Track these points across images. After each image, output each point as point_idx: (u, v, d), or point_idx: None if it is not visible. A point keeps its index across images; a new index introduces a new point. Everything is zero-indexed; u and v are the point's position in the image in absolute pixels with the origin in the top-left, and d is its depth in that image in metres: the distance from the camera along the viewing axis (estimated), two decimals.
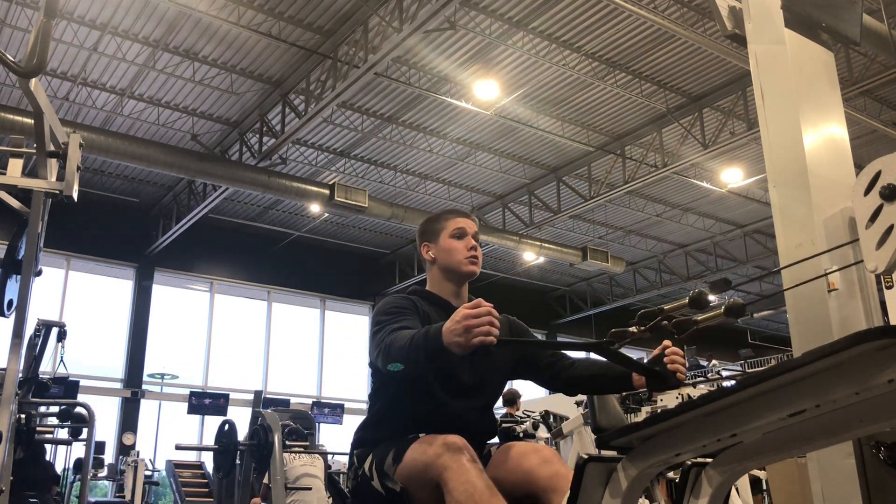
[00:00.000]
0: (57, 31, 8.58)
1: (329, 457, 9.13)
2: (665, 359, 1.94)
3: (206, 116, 10.80)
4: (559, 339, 17.86)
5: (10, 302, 3.08)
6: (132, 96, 10.19)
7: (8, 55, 2.55)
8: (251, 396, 13.35)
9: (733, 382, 1.54)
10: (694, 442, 1.42)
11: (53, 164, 3.08)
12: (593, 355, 1.89)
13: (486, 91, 9.88)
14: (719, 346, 19.04)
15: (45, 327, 5.44)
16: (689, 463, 1.61)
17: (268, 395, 13.68)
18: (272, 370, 14.64)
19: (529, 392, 8.72)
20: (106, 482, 11.75)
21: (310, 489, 5.92)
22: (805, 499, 3.23)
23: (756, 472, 6.36)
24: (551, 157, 12.32)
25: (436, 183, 12.92)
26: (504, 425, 6.02)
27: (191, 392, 13.09)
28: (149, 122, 10.74)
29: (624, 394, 5.49)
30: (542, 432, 6.08)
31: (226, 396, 13.11)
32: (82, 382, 11.65)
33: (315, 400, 14.43)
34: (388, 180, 12.60)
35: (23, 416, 4.83)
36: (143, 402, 13.01)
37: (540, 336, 17.75)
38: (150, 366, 13.36)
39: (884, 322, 2.62)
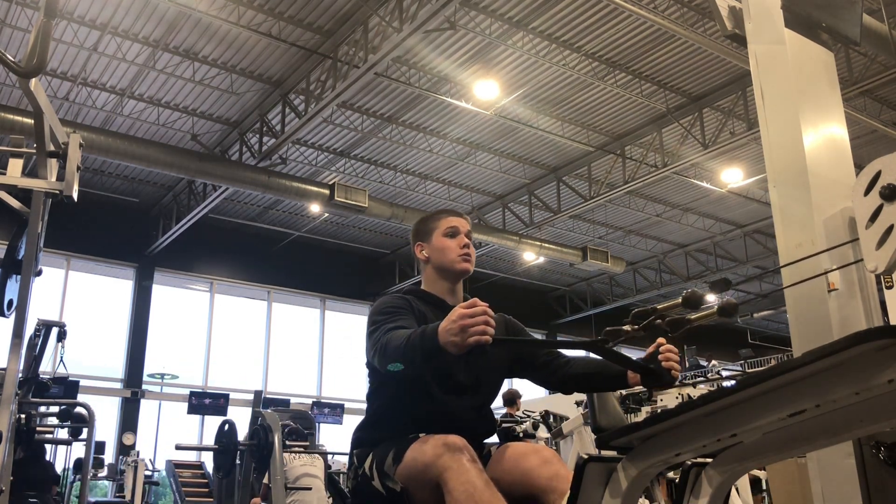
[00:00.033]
0: (57, 31, 8.58)
1: (329, 457, 9.13)
2: (660, 356, 1.96)
3: (206, 116, 10.81)
4: (559, 338, 17.86)
5: (10, 302, 3.08)
6: (132, 96, 10.19)
7: (8, 55, 2.55)
8: (251, 396, 13.37)
9: (733, 382, 1.54)
10: (694, 442, 1.42)
11: (53, 164, 3.08)
12: (591, 354, 1.90)
13: (486, 91, 9.88)
14: (719, 346, 19.05)
15: (45, 327, 5.44)
16: (689, 463, 1.61)
17: (268, 395, 13.68)
18: (272, 370, 14.64)
19: (529, 392, 8.73)
20: (106, 482, 11.75)
21: (310, 489, 5.92)
22: (805, 499, 3.23)
23: (756, 472, 6.36)
24: (551, 157, 12.32)
25: (436, 183, 12.92)
26: (504, 425, 6.03)
27: (191, 392, 13.09)
28: (149, 122, 10.74)
29: (624, 393, 5.50)
30: (542, 432, 6.08)
31: (226, 396, 13.11)
32: (82, 382, 11.66)
33: (315, 400, 14.43)
34: (388, 180, 12.60)
35: (23, 416, 4.83)
36: (143, 402, 13.02)
37: (539, 336, 17.78)
38: (150, 366, 13.36)
39: (884, 322, 2.62)
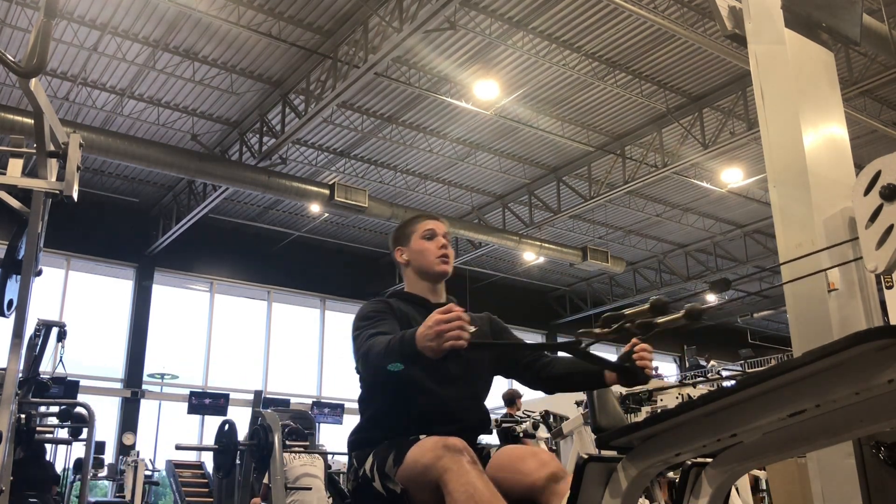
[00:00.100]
0: (57, 31, 8.58)
1: (329, 457, 9.13)
2: (634, 355, 2.02)
3: (206, 116, 10.81)
4: (559, 339, 17.85)
5: (10, 302, 3.08)
6: (132, 96, 10.19)
7: (8, 55, 2.55)
8: (251, 396, 13.38)
9: (733, 382, 1.55)
10: (694, 442, 1.43)
11: (53, 164, 3.08)
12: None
13: (486, 91, 9.88)
14: (719, 347, 19.06)
15: (45, 327, 5.45)
16: (689, 463, 1.61)
17: (268, 395, 13.68)
18: (272, 370, 14.64)
19: (529, 392, 8.71)
20: (106, 482, 11.75)
21: (310, 489, 5.92)
22: (805, 499, 3.23)
23: (756, 472, 6.36)
24: (551, 157, 12.32)
25: (436, 183, 12.93)
26: (504, 425, 6.03)
27: (191, 392, 13.09)
28: (149, 122, 10.74)
29: (624, 393, 5.50)
30: (542, 432, 6.08)
31: (226, 396, 13.11)
32: (82, 382, 11.67)
33: (315, 400, 14.43)
34: (388, 180, 12.60)
35: (23, 416, 4.84)
36: (143, 402, 13.01)
37: (539, 336, 17.81)
38: (150, 366, 13.35)
39: (884, 322, 2.62)
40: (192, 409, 12.81)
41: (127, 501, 9.57)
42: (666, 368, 19.72)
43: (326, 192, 11.10)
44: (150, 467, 10.74)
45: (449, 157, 12.02)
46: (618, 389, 5.37)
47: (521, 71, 9.74)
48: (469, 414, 2.24)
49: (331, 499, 5.51)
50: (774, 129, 3.06)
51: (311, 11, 8.74)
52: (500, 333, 2.42)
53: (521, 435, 5.87)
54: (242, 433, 5.22)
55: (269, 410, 6.53)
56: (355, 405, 2.40)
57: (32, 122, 2.98)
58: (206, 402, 12.92)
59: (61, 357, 5.49)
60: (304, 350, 15.29)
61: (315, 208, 12.53)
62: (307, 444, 6.92)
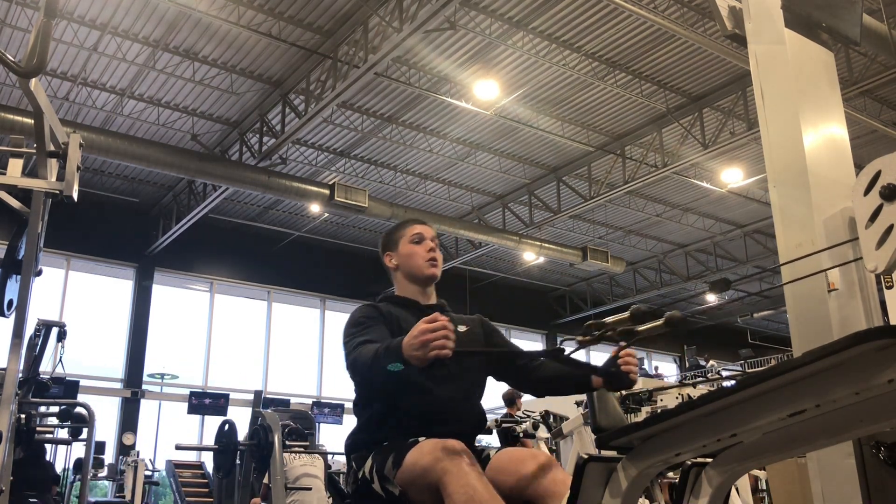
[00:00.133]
0: (57, 31, 8.58)
1: (329, 457, 9.13)
2: (619, 360, 2.08)
3: (206, 116, 10.81)
4: (558, 339, 17.83)
5: (10, 302, 3.08)
6: (132, 96, 10.20)
7: (8, 55, 2.55)
8: (251, 396, 13.39)
9: (733, 382, 1.55)
10: (694, 442, 1.42)
11: (53, 164, 3.08)
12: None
13: (486, 91, 9.89)
14: (719, 346, 19.07)
15: (45, 327, 5.44)
16: (689, 463, 1.61)
17: (268, 395, 13.69)
18: (272, 370, 14.64)
19: None
20: (106, 482, 11.75)
21: (310, 489, 5.91)
22: (805, 499, 3.23)
23: (756, 472, 6.36)
24: (551, 157, 12.32)
25: (436, 183, 12.93)
26: (504, 425, 6.02)
27: (191, 392, 13.09)
28: (149, 122, 10.74)
29: (624, 393, 5.50)
30: (542, 432, 6.07)
31: (226, 396, 13.12)
32: (82, 382, 11.68)
33: (315, 400, 14.44)
34: (388, 180, 12.60)
35: (23, 416, 4.83)
36: (143, 402, 13.01)
37: (539, 336, 17.81)
38: (150, 366, 13.35)
39: (884, 322, 2.62)
40: (192, 409, 12.82)
41: (127, 501, 9.57)
42: (666, 368, 19.73)
43: (326, 192, 11.10)
44: (150, 467, 10.74)
45: (449, 157, 12.02)
46: None
47: (521, 71, 9.74)
48: (465, 413, 2.25)
49: (331, 499, 5.51)
50: (774, 129, 3.06)
51: (311, 11, 8.74)
52: (491, 335, 2.46)
53: (521, 435, 5.86)
54: (242, 433, 5.21)
55: (269, 410, 6.52)
56: None
57: (32, 122, 2.98)
58: (206, 402, 12.93)
59: (61, 357, 5.49)
60: (304, 350, 15.29)
61: (315, 208, 12.53)
62: (307, 444, 6.90)
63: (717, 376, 8.98)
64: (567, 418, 6.19)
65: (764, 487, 6.64)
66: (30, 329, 5.20)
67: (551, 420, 6.24)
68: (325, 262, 15.24)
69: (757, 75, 3.15)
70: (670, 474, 4.72)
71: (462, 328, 2.36)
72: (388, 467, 2.03)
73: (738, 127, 10.36)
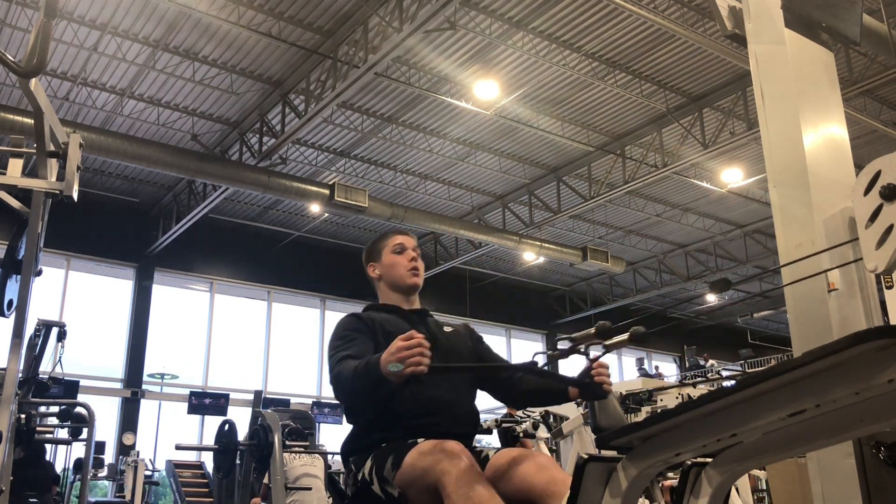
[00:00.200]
0: (57, 31, 8.58)
1: (329, 457, 9.13)
2: (593, 371, 2.15)
3: (206, 116, 10.81)
4: (558, 339, 17.81)
5: (10, 302, 3.08)
6: (132, 96, 10.19)
7: (8, 55, 2.55)
8: (251, 396, 13.39)
9: (733, 382, 1.55)
10: (694, 442, 1.42)
11: (53, 164, 3.08)
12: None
13: (486, 91, 9.88)
14: (719, 347, 19.07)
15: (45, 327, 5.45)
16: (689, 463, 1.61)
17: (268, 395, 13.69)
18: (272, 370, 14.64)
19: None
20: (106, 482, 11.76)
21: (310, 489, 5.91)
22: (805, 499, 3.23)
23: (756, 472, 6.36)
24: (551, 157, 12.32)
25: (436, 183, 12.93)
26: (504, 425, 6.02)
27: (191, 392, 13.09)
28: (149, 122, 10.74)
29: (624, 393, 5.50)
30: (542, 432, 6.07)
31: (226, 396, 13.12)
32: (82, 382, 11.68)
33: (315, 400, 14.44)
34: (388, 180, 12.60)
35: (23, 416, 4.84)
36: (143, 402, 13.01)
37: (539, 336, 17.80)
38: (150, 366, 13.35)
39: (884, 322, 2.62)
40: (192, 409, 12.82)
41: (127, 501, 9.57)
42: (666, 368, 19.73)
43: (326, 192, 11.10)
44: (150, 467, 10.75)
45: (449, 157, 12.02)
46: (617, 390, 5.36)
47: (521, 71, 9.74)
48: (458, 410, 2.26)
49: (331, 499, 5.51)
50: (774, 129, 3.06)
51: (311, 11, 8.74)
52: (478, 342, 2.51)
53: (521, 435, 5.86)
54: (242, 433, 5.21)
55: (269, 410, 6.52)
56: None
57: (32, 122, 2.98)
58: (206, 402, 12.93)
59: (60, 357, 5.49)
60: (304, 350, 15.29)
61: (315, 208, 12.53)
62: (307, 444, 6.91)
63: (717, 376, 8.98)
64: (567, 418, 6.19)
65: (764, 487, 6.64)
66: (30, 329, 5.20)
67: (551, 420, 6.24)
68: (325, 262, 15.24)
69: (757, 75, 3.15)
70: (670, 475, 4.72)
71: (448, 329, 2.45)
72: (387, 469, 2.03)
73: (738, 127, 10.36)
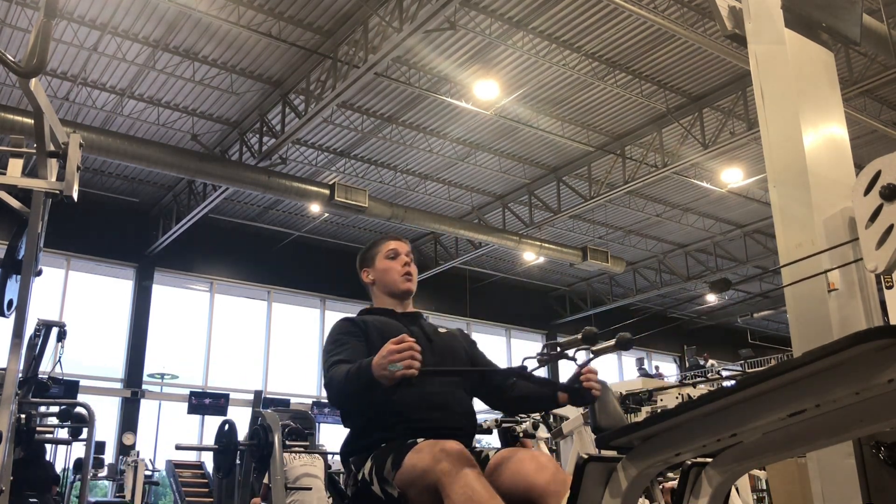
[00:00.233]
0: (57, 31, 8.58)
1: (329, 457, 9.13)
2: (581, 377, 2.19)
3: (206, 116, 10.81)
4: (558, 340, 17.82)
5: (10, 302, 3.07)
6: (132, 96, 10.19)
7: (8, 55, 2.55)
8: (251, 396, 13.38)
9: (733, 382, 1.55)
10: (694, 442, 1.42)
11: (53, 164, 3.08)
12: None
13: (486, 91, 9.88)
14: (719, 347, 19.07)
15: (45, 327, 5.44)
16: (689, 463, 1.61)
17: (268, 395, 13.69)
18: (272, 370, 14.64)
19: None
20: (106, 482, 11.75)
21: (310, 489, 5.91)
22: (805, 499, 3.23)
23: (756, 472, 6.36)
24: (551, 157, 12.32)
25: (436, 183, 12.93)
26: (504, 425, 6.02)
27: (191, 392, 13.09)
28: (149, 122, 10.74)
29: (624, 393, 5.50)
30: (542, 432, 6.07)
31: (226, 396, 13.12)
32: (82, 382, 11.68)
33: (315, 400, 14.43)
34: (388, 180, 12.60)
35: (23, 416, 4.84)
36: (143, 402, 13.01)
37: (539, 336, 17.80)
38: (150, 366, 13.35)
39: (884, 322, 2.62)
40: (192, 409, 12.82)
41: (127, 501, 9.58)
42: (666, 368, 19.73)
43: (326, 192, 11.10)
44: (150, 467, 10.75)
45: (449, 157, 12.02)
46: (617, 390, 5.36)
47: (521, 71, 9.74)
48: (454, 403, 2.27)
49: (331, 499, 5.51)
50: (774, 129, 3.06)
51: (311, 11, 8.74)
52: (472, 346, 2.53)
53: (522, 435, 5.86)
54: (242, 433, 5.21)
55: (269, 410, 6.52)
56: None
57: (32, 122, 2.98)
58: (206, 402, 12.93)
59: (59, 358, 5.48)
60: (304, 350, 15.28)
61: (315, 208, 12.53)
62: (307, 444, 6.90)
63: (717, 376, 8.98)
64: (567, 418, 6.19)
65: (764, 487, 6.64)
66: (30, 329, 5.20)
67: (551, 420, 6.24)
68: (325, 262, 15.23)
69: (757, 75, 3.16)
70: (670, 474, 4.72)
71: (441, 330, 2.48)
72: (387, 469, 2.03)
73: (738, 127, 10.36)
